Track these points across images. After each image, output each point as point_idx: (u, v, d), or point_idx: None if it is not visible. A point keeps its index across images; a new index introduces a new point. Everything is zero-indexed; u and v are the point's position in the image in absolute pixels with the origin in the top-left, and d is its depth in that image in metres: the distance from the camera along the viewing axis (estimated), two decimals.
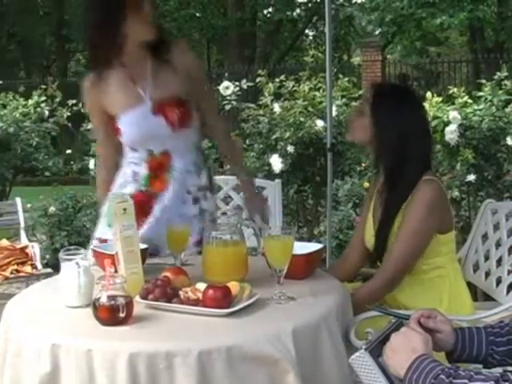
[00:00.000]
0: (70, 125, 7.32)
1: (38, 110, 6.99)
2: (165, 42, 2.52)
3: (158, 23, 2.54)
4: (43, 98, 7.04)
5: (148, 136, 2.51)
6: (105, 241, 2.53)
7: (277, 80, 5.87)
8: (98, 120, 2.65)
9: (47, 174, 8.35)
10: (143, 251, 2.26)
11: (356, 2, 18.93)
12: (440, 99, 5.14)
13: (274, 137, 5.49)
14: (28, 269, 4.42)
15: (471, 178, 4.94)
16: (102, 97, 2.53)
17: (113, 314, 1.85)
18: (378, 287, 2.46)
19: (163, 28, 2.70)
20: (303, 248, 2.29)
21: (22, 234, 4.92)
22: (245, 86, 5.95)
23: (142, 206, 2.49)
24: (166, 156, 2.54)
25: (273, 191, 3.48)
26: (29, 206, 5.78)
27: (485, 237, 2.93)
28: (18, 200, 5.00)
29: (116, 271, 2.09)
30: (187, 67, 2.52)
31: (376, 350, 1.73)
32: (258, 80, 5.85)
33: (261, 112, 5.63)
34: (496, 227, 2.89)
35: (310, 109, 5.58)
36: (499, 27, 15.87)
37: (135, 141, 2.54)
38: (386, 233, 2.48)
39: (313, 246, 2.39)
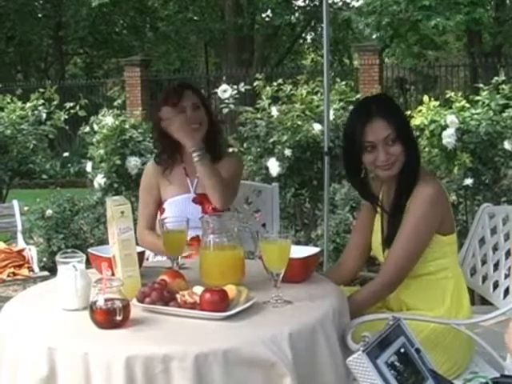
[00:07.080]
0: (67, 128, 7.30)
1: (36, 112, 6.97)
2: (220, 153, 3.05)
3: (215, 137, 3.04)
4: (41, 101, 7.02)
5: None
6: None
7: (274, 84, 5.86)
8: (148, 197, 3.08)
9: (44, 176, 8.33)
10: (140, 254, 2.26)
11: (353, 6, 18.97)
12: (437, 103, 5.15)
13: (271, 140, 5.49)
14: (25, 272, 4.42)
15: (468, 182, 4.94)
16: (160, 183, 3.06)
17: (109, 317, 1.85)
18: (378, 290, 2.46)
19: (220, 143, 3.15)
20: (300, 252, 2.29)
21: (19, 236, 4.91)
22: (242, 90, 5.94)
23: None
24: (196, 241, 2.73)
25: (270, 195, 3.48)
26: (26, 208, 5.76)
27: (482, 241, 2.92)
28: (15, 203, 4.99)
29: (113, 274, 2.09)
30: (229, 177, 2.99)
31: (374, 352, 1.73)
32: (255, 83, 5.85)
33: (258, 115, 5.62)
34: (493, 231, 2.89)
35: (307, 112, 5.57)
36: (496, 31, 15.90)
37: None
38: (397, 224, 2.47)
39: (310, 250, 2.40)
